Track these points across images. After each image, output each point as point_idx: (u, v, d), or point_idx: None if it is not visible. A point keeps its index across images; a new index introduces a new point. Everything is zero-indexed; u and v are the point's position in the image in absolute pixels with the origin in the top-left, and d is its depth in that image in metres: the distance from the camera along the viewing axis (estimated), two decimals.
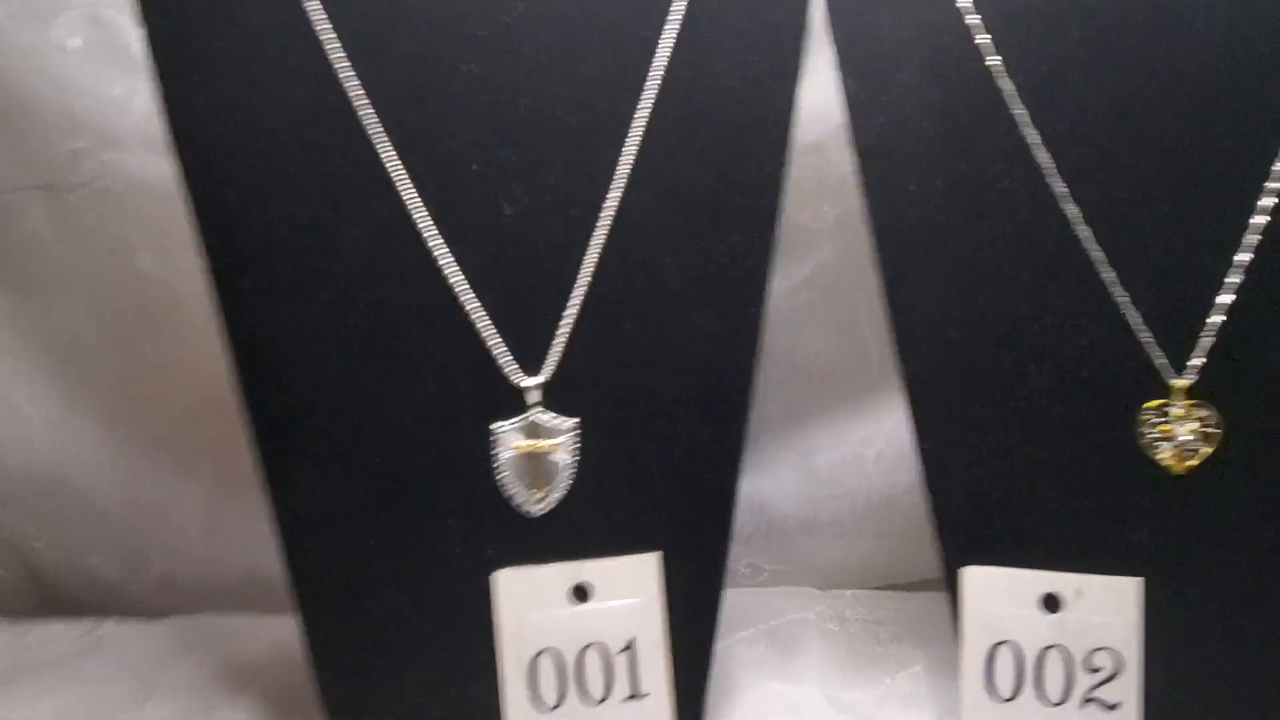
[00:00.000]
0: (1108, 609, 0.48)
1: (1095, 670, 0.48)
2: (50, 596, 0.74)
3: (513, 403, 0.50)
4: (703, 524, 0.52)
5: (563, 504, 0.50)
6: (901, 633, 0.62)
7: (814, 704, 0.55)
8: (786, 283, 0.69)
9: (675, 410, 0.51)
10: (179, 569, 0.72)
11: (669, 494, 0.51)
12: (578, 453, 0.50)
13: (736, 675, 0.58)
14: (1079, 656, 0.48)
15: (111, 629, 0.67)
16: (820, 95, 0.58)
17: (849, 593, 0.67)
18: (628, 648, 0.49)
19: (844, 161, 0.61)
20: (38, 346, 0.73)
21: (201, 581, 0.72)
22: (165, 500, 0.72)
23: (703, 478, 0.52)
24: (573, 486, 0.50)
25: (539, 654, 0.49)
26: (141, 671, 0.60)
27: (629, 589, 0.49)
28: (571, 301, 0.50)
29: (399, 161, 0.49)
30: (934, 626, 0.58)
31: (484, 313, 0.49)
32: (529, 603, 0.49)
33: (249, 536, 0.69)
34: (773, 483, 0.71)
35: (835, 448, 0.71)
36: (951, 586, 0.51)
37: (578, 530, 0.50)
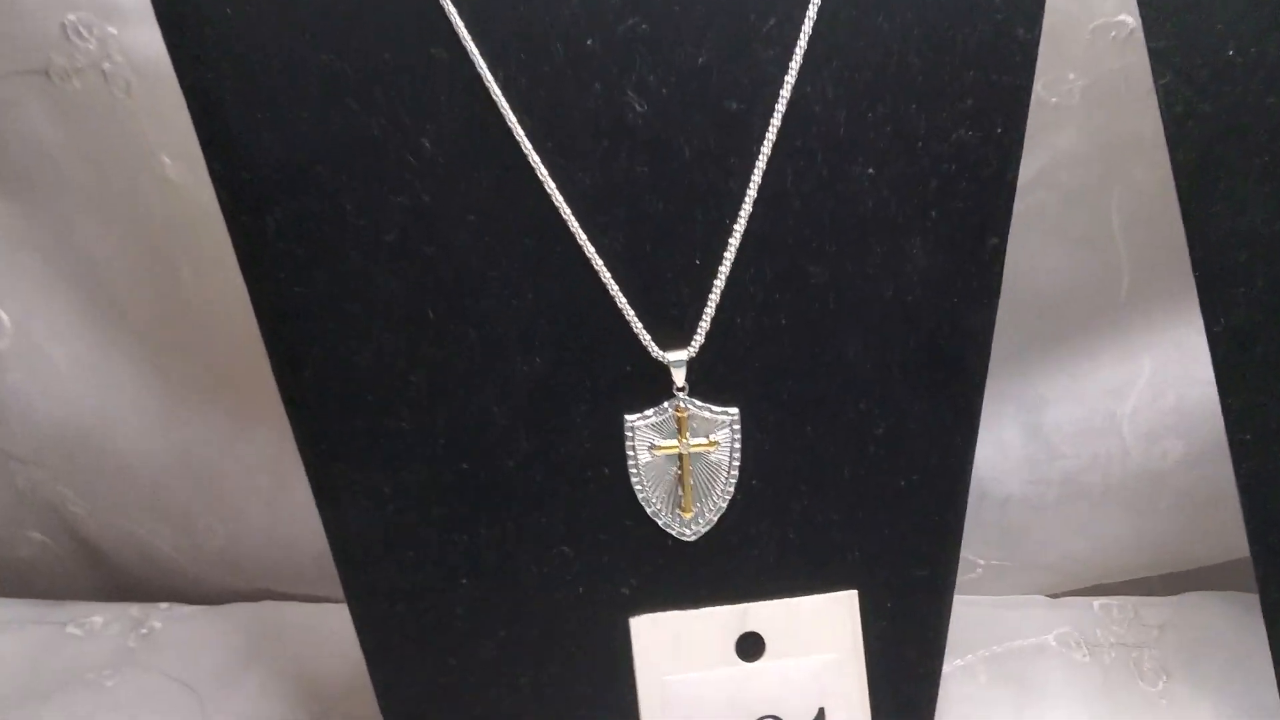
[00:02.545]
0: None
1: None
2: (100, 569, 0.63)
3: (650, 386, 0.37)
4: (920, 546, 0.39)
5: (722, 524, 0.38)
6: (1173, 662, 0.47)
7: None
8: None
9: (879, 388, 0.38)
10: (241, 543, 0.61)
11: (870, 506, 0.39)
12: (741, 454, 0.38)
13: None
14: None
15: (160, 622, 0.55)
16: None
17: (1095, 603, 0.52)
18: None
19: (1099, 9, 0.44)
20: (56, 273, 0.60)
21: (267, 558, 0.61)
22: (220, 460, 0.61)
23: (918, 480, 0.39)
24: (734, 500, 0.38)
25: None
26: (191, 687, 0.49)
27: (817, 640, 0.38)
28: (730, 237, 0.36)
29: (477, 35, 0.34)
30: (1220, 650, 0.43)
31: (608, 256, 0.36)
32: (679, 659, 0.38)
33: None
34: (991, 447, 0.56)
35: (1074, 401, 0.55)
36: (1272, 618, 0.37)
37: (743, 560, 0.39)
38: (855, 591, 0.38)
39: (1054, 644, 0.49)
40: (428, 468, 0.37)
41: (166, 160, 0.57)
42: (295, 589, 0.60)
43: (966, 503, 0.39)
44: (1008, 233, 0.38)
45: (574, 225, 0.36)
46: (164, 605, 0.58)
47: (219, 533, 0.62)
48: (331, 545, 0.38)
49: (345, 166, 0.35)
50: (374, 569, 0.38)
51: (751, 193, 0.36)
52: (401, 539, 0.38)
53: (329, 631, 0.53)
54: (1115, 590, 0.53)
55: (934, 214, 0.37)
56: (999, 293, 0.38)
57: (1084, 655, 0.48)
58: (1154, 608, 0.51)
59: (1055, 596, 0.53)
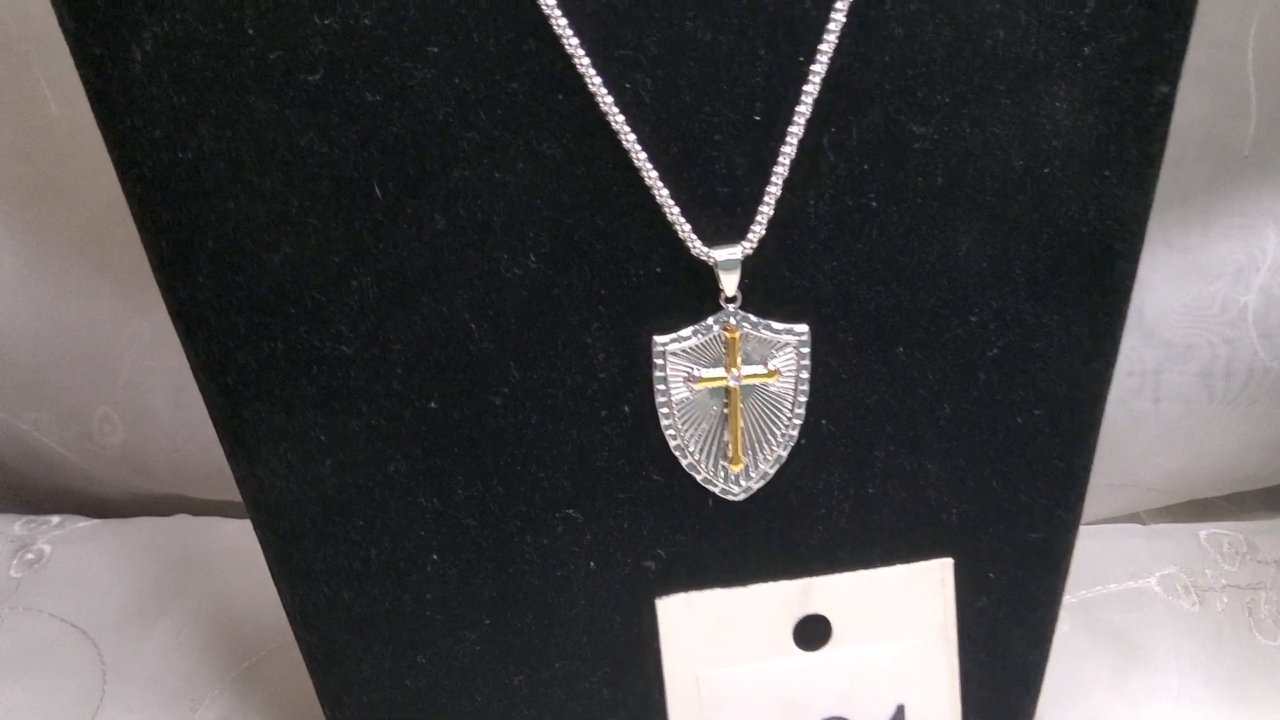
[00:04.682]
0: None
1: None
2: None
3: (689, 295, 0.28)
4: (1035, 503, 0.31)
5: (780, 477, 0.30)
6: None
7: None
8: None
9: (997, 296, 0.29)
10: (145, 438, 0.51)
11: (975, 451, 0.30)
12: (809, 386, 0.29)
13: (1044, 703, 0.36)
14: None
15: (50, 544, 0.46)
16: None
17: (1202, 533, 0.44)
18: None
19: None
20: None
21: (179, 457, 0.51)
22: (112, 336, 0.51)
23: (1041, 416, 0.30)
24: (798, 447, 0.30)
25: None
26: (87, 634, 0.40)
27: (898, 622, 0.31)
28: (805, 83, 0.26)
29: None
30: None
31: (632, 110, 0.26)
32: (720, 650, 0.30)
33: None
34: None
35: (1183, 278, 0.45)
36: None
37: (806, 524, 0.31)
38: (950, 560, 0.30)
39: (1157, 589, 0.41)
40: (381, 407, 0.28)
41: None
42: (215, 495, 0.51)
43: (1095, 447, 0.30)
44: (1179, 79, 0.28)
45: (583, 63, 0.25)
46: (55, 520, 0.48)
47: (118, 426, 0.52)
48: (251, 514, 0.28)
49: None
50: (310, 545, 0.28)
51: (837, 16, 0.25)
52: (347, 505, 0.28)
53: (259, 557, 0.44)
54: (1212, 509, 0.45)
55: (1087, 50, 0.27)
56: (1160, 165, 0.28)
57: (1193, 603, 0.40)
58: (1268, 536, 0.43)
59: (1145, 523, 0.46)
